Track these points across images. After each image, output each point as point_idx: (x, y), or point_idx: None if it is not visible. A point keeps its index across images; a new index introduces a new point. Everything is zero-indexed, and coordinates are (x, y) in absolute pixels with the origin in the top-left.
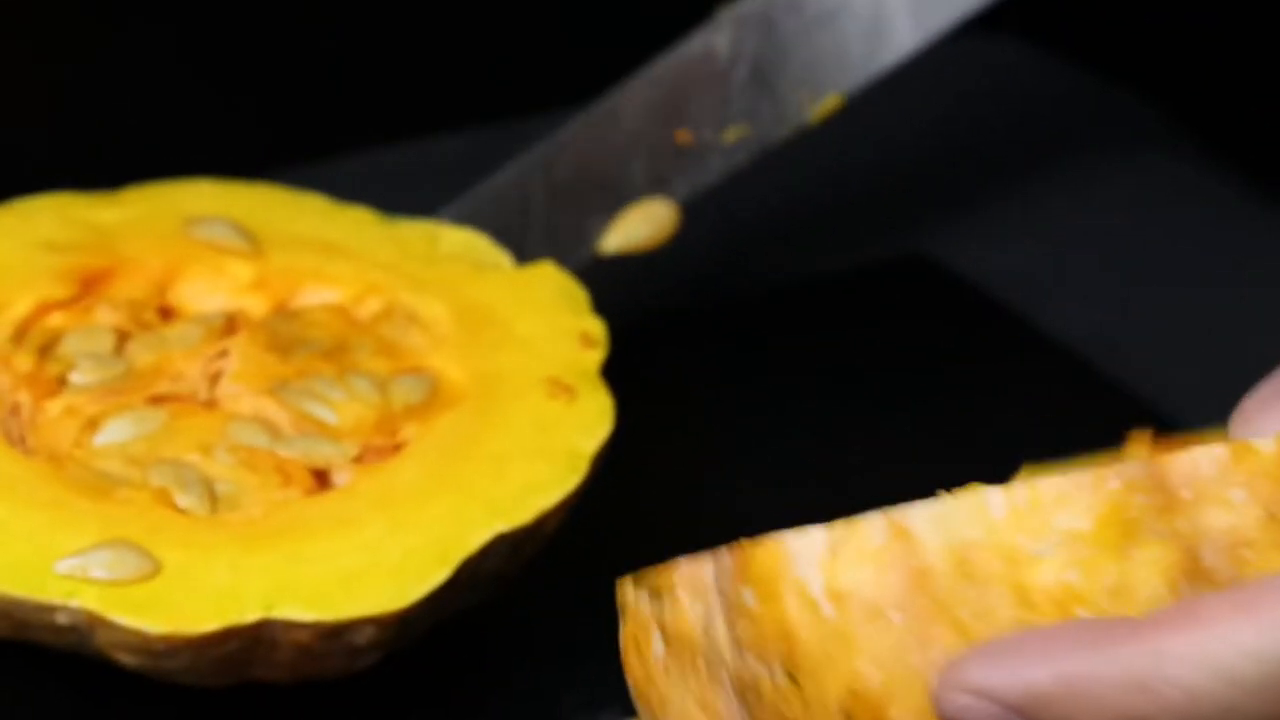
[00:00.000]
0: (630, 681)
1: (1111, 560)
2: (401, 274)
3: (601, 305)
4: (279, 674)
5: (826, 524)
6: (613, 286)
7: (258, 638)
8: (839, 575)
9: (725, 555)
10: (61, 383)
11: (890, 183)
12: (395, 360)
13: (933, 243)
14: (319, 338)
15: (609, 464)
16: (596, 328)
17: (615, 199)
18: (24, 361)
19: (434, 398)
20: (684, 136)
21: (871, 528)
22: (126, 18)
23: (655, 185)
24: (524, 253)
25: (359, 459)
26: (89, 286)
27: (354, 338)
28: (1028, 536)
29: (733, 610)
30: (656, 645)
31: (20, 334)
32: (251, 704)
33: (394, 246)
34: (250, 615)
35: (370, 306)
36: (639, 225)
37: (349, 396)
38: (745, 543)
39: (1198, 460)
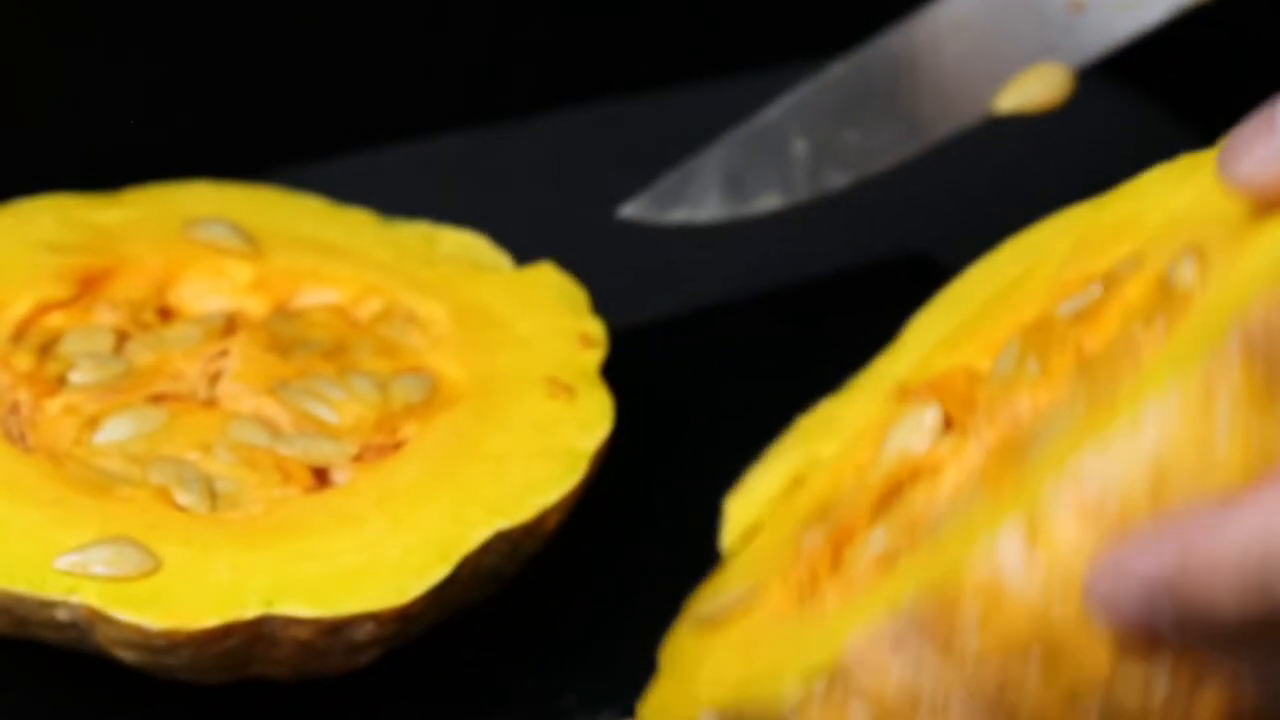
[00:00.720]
0: None
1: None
2: (400, 275)
3: (601, 306)
4: (279, 670)
5: (1009, 524)
6: (612, 287)
7: (258, 634)
8: (1050, 559)
9: (914, 601)
10: (61, 382)
11: (891, 183)
12: (395, 360)
13: (934, 243)
14: (319, 338)
15: (609, 464)
16: (596, 328)
17: (1007, 64)
18: (24, 361)
19: (434, 397)
20: (1075, 1)
21: (1058, 503)
22: (127, 18)
23: (1047, 52)
24: (914, 114)
25: (359, 457)
26: (89, 287)
27: (354, 338)
28: (1201, 431)
29: (951, 641)
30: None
31: (20, 334)
32: (251, 701)
33: (393, 247)
34: (250, 611)
35: (370, 307)
36: (1034, 87)
37: (349, 396)
38: (935, 585)
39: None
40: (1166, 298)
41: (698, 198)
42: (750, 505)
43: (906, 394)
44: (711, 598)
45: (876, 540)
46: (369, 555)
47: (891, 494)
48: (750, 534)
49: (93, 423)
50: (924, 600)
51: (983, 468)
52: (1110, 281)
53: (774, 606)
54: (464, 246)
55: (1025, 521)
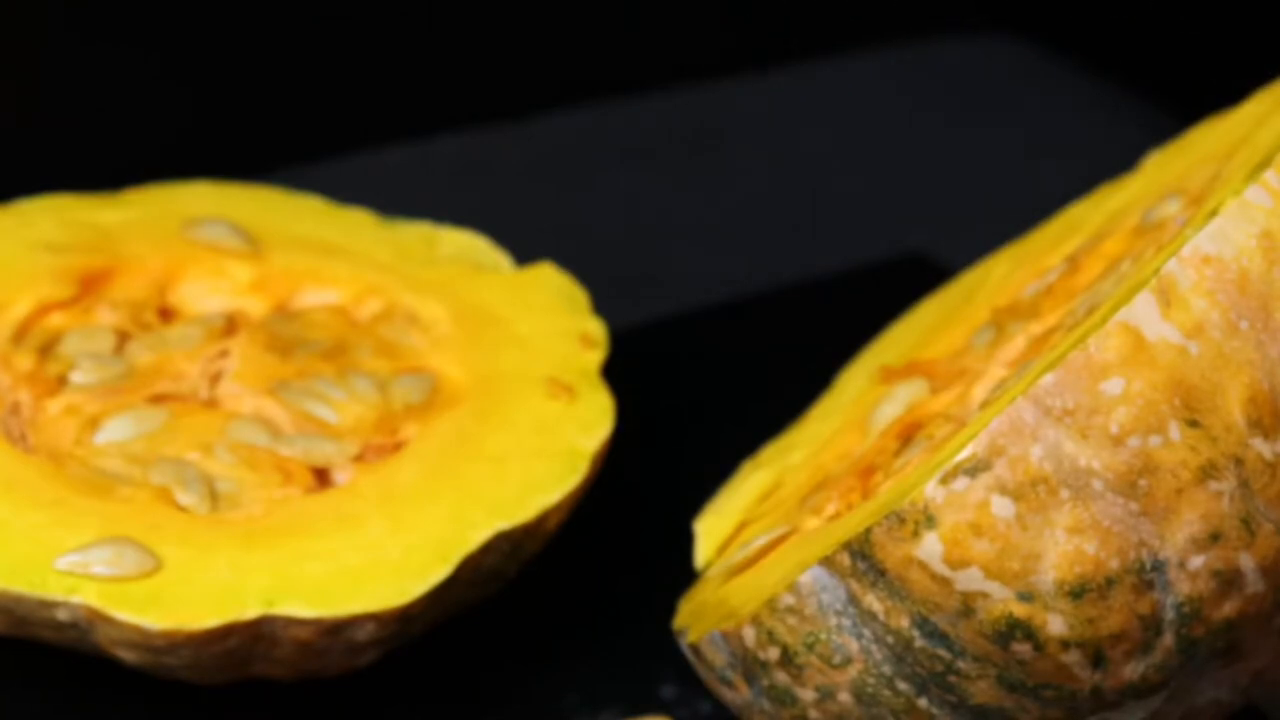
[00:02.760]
0: (978, 564)
1: None
2: (401, 275)
3: (601, 306)
4: (280, 670)
5: (1145, 290)
6: (613, 287)
7: (258, 634)
8: (1185, 316)
9: (1044, 380)
10: (62, 382)
11: (889, 182)
12: (395, 360)
13: (931, 242)
14: (319, 338)
15: (609, 464)
16: (596, 328)
17: None
18: (24, 361)
19: (434, 397)
20: None
21: (1181, 274)
22: (127, 18)
23: None
24: None
25: (359, 458)
26: (89, 287)
27: (354, 338)
28: None
29: (1091, 415)
30: (1002, 511)
31: (21, 334)
32: (252, 700)
33: (393, 248)
34: (250, 611)
35: (370, 307)
36: None
37: (349, 396)
38: (1071, 362)
39: None
40: (1150, 232)
41: None
42: (723, 521)
43: (890, 375)
44: (726, 558)
45: (913, 450)
46: (369, 555)
47: (905, 440)
48: (727, 545)
49: (93, 423)
50: (1063, 378)
51: (1025, 352)
52: (1071, 261)
53: (800, 536)
54: (464, 246)
55: (1155, 288)
